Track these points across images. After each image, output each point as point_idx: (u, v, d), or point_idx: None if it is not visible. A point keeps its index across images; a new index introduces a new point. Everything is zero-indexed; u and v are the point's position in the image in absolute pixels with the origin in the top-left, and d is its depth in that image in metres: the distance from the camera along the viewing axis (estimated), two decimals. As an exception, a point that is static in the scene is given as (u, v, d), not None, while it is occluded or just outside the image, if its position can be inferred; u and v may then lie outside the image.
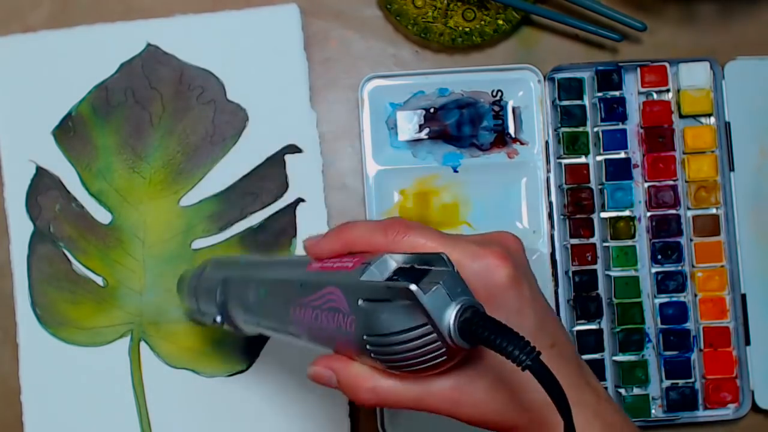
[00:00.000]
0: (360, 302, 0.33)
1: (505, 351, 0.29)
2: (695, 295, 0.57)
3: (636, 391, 0.56)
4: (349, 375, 0.35)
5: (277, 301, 0.39)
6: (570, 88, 0.57)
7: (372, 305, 0.32)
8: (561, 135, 0.57)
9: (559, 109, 0.57)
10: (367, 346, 0.33)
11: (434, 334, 0.31)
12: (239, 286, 0.43)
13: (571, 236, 0.57)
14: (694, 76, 0.57)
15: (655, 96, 0.58)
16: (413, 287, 0.30)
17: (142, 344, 0.56)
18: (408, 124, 0.57)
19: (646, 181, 0.57)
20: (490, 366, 0.34)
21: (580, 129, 0.57)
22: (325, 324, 0.35)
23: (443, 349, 0.31)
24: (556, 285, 0.57)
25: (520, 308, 0.35)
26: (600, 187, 0.57)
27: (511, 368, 0.29)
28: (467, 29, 0.57)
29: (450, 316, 0.30)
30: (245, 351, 0.56)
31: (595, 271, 0.57)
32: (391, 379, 0.34)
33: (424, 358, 0.32)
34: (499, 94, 0.58)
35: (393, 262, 0.34)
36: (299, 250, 0.56)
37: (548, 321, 0.36)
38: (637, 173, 0.58)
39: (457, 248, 0.35)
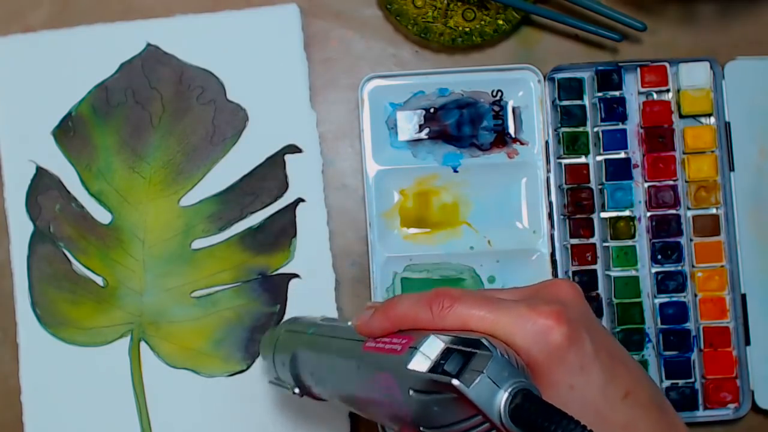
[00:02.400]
0: (411, 392, 0.32)
1: None
2: (695, 295, 0.57)
3: (636, 391, 0.56)
4: None
5: (341, 380, 0.39)
6: (570, 88, 0.57)
7: (422, 396, 0.31)
8: (561, 135, 0.57)
9: (559, 109, 0.57)
10: None
11: (487, 424, 0.29)
12: (307, 359, 0.43)
13: (571, 236, 0.57)
14: (694, 76, 0.57)
15: (655, 96, 0.58)
16: (455, 382, 0.29)
17: (142, 344, 0.56)
18: (408, 124, 0.57)
19: (646, 181, 0.57)
20: None
21: (580, 129, 0.57)
22: (385, 407, 0.34)
23: None
24: (556, 285, 0.57)
25: (583, 365, 0.33)
26: (600, 187, 0.57)
27: None
28: (467, 29, 0.57)
29: (500, 404, 0.29)
30: (245, 351, 0.56)
31: (595, 271, 0.57)
32: None
33: None
34: (499, 94, 0.58)
35: (440, 343, 0.32)
36: (299, 250, 0.56)
37: (619, 369, 0.34)
38: (637, 173, 0.58)
39: (507, 314, 0.33)
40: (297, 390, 0.44)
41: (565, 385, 0.32)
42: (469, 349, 0.31)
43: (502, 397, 0.29)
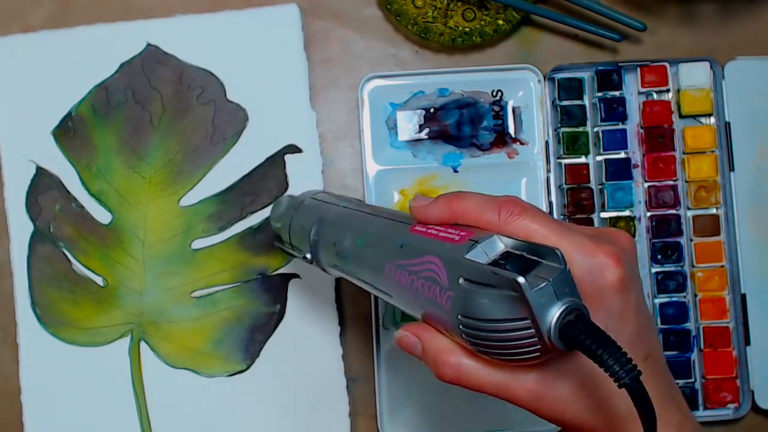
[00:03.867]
0: (461, 281, 0.32)
1: (605, 363, 0.28)
2: (695, 295, 0.57)
3: (636, 391, 0.56)
4: (436, 347, 0.34)
5: (373, 256, 0.38)
6: (570, 88, 0.57)
7: (473, 287, 0.31)
8: (561, 135, 0.57)
9: (559, 109, 0.57)
10: (460, 326, 0.32)
11: (532, 330, 0.30)
12: (336, 230, 0.42)
13: (571, 236, 0.57)
14: (694, 76, 0.57)
15: (655, 96, 0.58)
16: (521, 280, 0.28)
17: (142, 344, 0.56)
18: (408, 124, 0.57)
19: (646, 181, 0.57)
20: (580, 367, 0.33)
21: (580, 129, 0.57)
22: (420, 291, 0.34)
23: (538, 347, 0.30)
24: (556, 285, 0.57)
25: (624, 313, 0.33)
26: (600, 187, 0.57)
27: (602, 374, 0.28)
28: (467, 29, 0.57)
29: (553, 315, 0.29)
30: (245, 351, 0.56)
31: (595, 271, 0.57)
32: (477, 360, 0.33)
33: (516, 350, 0.31)
34: (499, 94, 0.58)
35: (501, 245, 0.32)
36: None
37: (647, 331, 0.35)
38: (637, 173, 0.58)
39: (571, 241, 0.33)
40: (309, 256, 0.44)
41: (601, 325, 0.32)
42: (533, 257, 0.31)
43: (558, 309, 0.29)
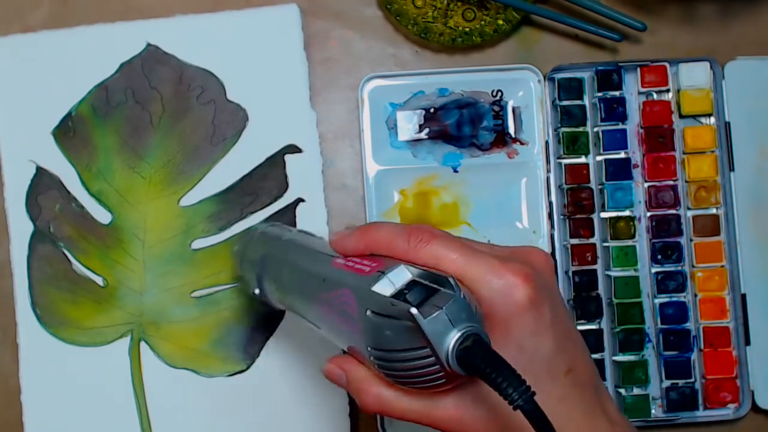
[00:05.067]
0: (368, 312, 0.32)
1: (499, 387, 0.28)
2: (695, 295, 0.57)
3: (636, 391, 0.56)
4: (357, 378, 0.35)
5: (303, 289, 0.40)
6: (570, 88, 0.57)
7: (378, 319, 0.32)
8: (561, 135, 0.57)
9: (559, 109, 0.57)
10: (371, 357, 0.33)
11: (433, 358, 0.30)
12: (276, 264, 0.43)
13: (571, 236, 0.57)
14: (694, 76, 0.57)
15: (655, 96, 0.58)
16: (414, 311, 0.29)
17: (142, 344, 0.56)
18: (408, 124, 0.57)
19: (646, 181, 0.57)
20: (490, 393, 0.33)
21: (580, 129, 0.57)
22: (338, 324, 0.35)
23: (441, 373, 0.31)
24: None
25: (539, 330, 0.33)
26: (600, 187, 0.57)
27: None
28: (467, 29, 0.57)
29: (450, 342, 0.30)
30: (245, 351, 0.56)
31: (595, 271, 0.57)
32: (396, 390, 0.34)
33: (424, 378, 0.31)
34: (499, 94, 0.58)
35: (408, 274, 0.33)
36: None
37: (568, 345, 0.35)
38: (637, 173, 0.58)
39: (479, 263, 0.34)
40: (257, 291, 0.45)
41: (515, 344, 0.33)
42: (433, 285, 0.32)
43: (454, 336, 0.30)
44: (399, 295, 0.32)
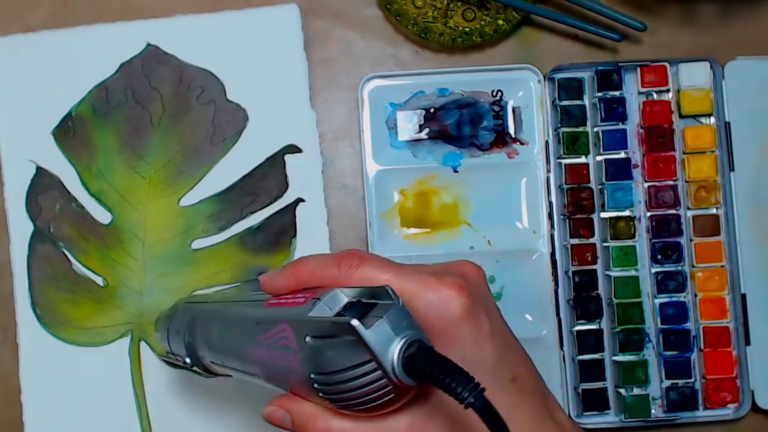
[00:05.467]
0: (307, 339, 0.32)
1: (448, 388, 0.28)
2: (695, 295, 0.57)
3: (636, 391, 0.56)
4: (302, 415, 0.34)
5: (236, 340, 0.38)
6: (570, 88, 0.57)
7: (318, 342, 0.31)
8: (561, 135, 0.57)
9: (559, 109, 0.57)
10: (315, 385, 0.31)
11: (379, 371, 0.29)
12: (204, 324, 0.42)
13: (571, 236, 0.57)
14: (694, 76, 0.57)
15: (655, 96, 0.58)
16: (354, 322, 0.29)
17: (142, 344, 0.56)
18: (408, 124, 0.57)
19: (646, 181, 0.57)
20: (445, 403, 0.33)
21: (580, 129, 0.57)
22: (278, 362, 0.34)
23: (389, 387, 0.30)
24: (556, 285, 0.57)
25: (478, 341, 0.33)
26: (600, 187, 0.57)
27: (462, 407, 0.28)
28: (467, 29, 0.57)
29: (394, 351, 0.29)
30: (245, 351, 0.56)
31: (595, 271, 0.57)
32: (343, 419, 0.33)
33: (371, 396, 0.30)
34: (499, 94, 0.57)
35: (344, 297, 0.32)
36: (299, 250, 0.56)
37: (510, 353, 0.35)
38: (637, 173, 0.58)
39: (411, 279, 0.33)
40: (187, 360, 0.44)
41: (458, 355, 0.32)
42: (371, 300, 0.31)
43: (398, 344, 0.29)
44: (337, 315, 0.31)
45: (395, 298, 0.30)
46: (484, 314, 0.34)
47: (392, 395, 0.30)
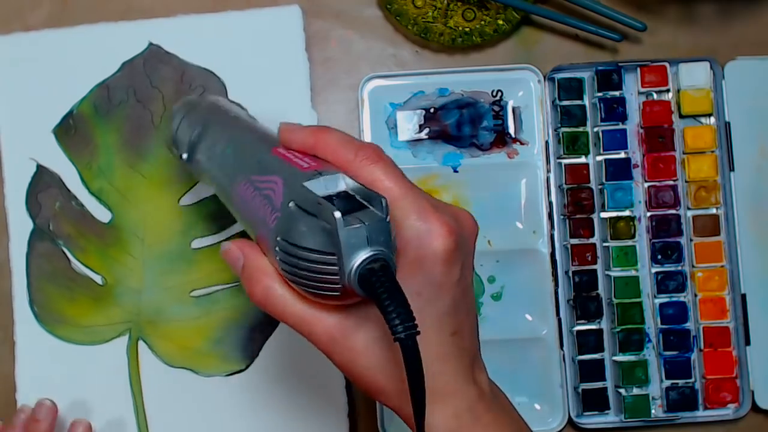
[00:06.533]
0: (291, 204, 0.33)
1: (387, 314, 0.28)
2: (695, 295, 0.57)
3: (636, 391, 0.56)
4: (254, 265, 0.35)
5: (235, 164, 0.39)
6: (570, 88, 0.57)
7: (299, 212, 0.32)
8: (561, 135, 0.57)
9: (559, 109, 0.57)
10: (277, 248, 0.32)
11: (336, 268, 0.30)
12: (215, 135, 0.43)
13: (571, 236, 0.57)
14: (694, 76, 0.57)
15: (655, 96, 0.58)
16: (337, 214, 0.29)
17: (141, 343, 0.56)
18: (408, 124, 0.57)
19: (646, 181, 0.57)
20: (380, 328, 0.33)
21: (580, 129, 0.57)
22: (258, 208, 0.35)
23: (338, 285, 0.31)
24: (556, 285, 0.57)
25: (442, 286, 0.34)
26: (600, 187, 0.57)
27: None
28: (467, 29, 0.57)
29: (358, 259, 0.30)
30: (244, 351, 0.56)
31: (595, 271, 0.57)
32: (286, 290, 0.34)
33: (319, 284, 0.31)
34: (499, 94, 0.58)
35: (343, 184, 0.33)
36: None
37: (462, 309, 0.35)
38: (637, 173, 0.58)
39: (411, 201, 0.34)
40: (185, 156, 0.45)
41: (416, 289, 0.33)
42: (363, 202, 0.32)
43: (365, 254, 0.30)
44: (328, 198, 0.32)
45: (385, 212, 0.31)
46: (459, 265, 0.34)
47: (337, 293, 0.31)
